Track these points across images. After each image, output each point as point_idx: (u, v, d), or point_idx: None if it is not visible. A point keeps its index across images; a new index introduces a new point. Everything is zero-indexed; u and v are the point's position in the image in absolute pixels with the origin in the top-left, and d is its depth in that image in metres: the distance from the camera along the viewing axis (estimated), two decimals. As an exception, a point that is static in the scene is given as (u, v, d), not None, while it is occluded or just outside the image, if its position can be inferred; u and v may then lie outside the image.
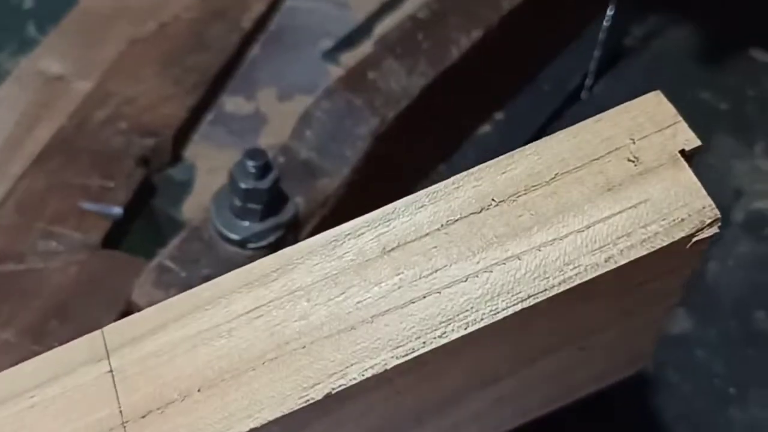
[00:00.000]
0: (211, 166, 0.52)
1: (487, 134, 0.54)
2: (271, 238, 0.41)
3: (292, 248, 0.27)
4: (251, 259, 0.41)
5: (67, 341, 0.41)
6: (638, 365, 0.38)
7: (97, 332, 0.27)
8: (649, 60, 0.58)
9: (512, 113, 0.55)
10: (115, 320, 0.42)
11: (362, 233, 0.27)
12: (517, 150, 0.28)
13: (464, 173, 0.28)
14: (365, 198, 0.47)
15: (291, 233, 0.42)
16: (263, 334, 0.26)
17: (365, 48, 0.57)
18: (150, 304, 0.39)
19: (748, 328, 0.46)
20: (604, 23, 0.53)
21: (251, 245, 0.40)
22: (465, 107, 0.52)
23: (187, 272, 0.39)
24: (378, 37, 0.57)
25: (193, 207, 0.50)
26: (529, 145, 0.28)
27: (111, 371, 0.25)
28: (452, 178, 0.27)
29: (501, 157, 0.28)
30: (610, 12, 0.52)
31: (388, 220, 0.27)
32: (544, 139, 0.28)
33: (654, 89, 0.56)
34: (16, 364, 0.27)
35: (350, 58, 0.57)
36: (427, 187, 0.46)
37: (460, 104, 0.51)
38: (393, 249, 0.27)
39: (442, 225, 0.27)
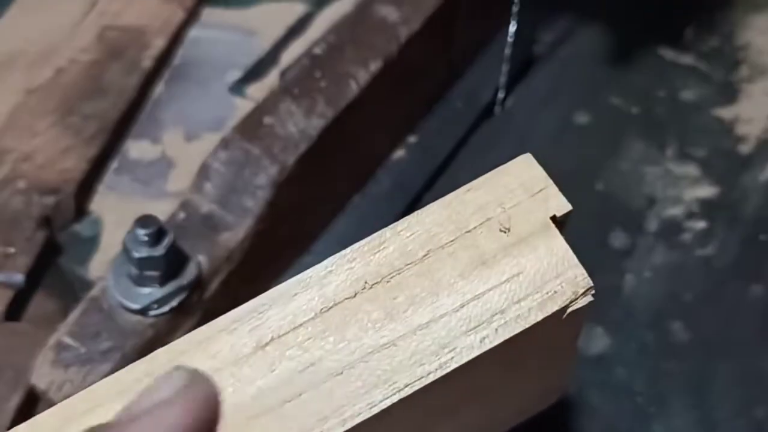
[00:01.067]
0: (118, 218, 0.50)
1: (401, 159, 0.54)
2: (174, 303, 0.40)
3: (163, 349, 0.26)
4: (153, 327, 0.40)
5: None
6: (555, 397, 0.38)
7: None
8: (559, 67, 0.58)
9: (425, 135, 0.55)
10: (21, 398, 0.41)
11: (235, 329, 0.26)
12: (389, 227, 0.27)
13: (336, 255, 0.27)
14: (274, 246, 0.46)
15: (195, 293, 0.41)
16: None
17: (273, 78, 0.56)
18: (50, 385, 0.38)
19: (666, 340, 0.46)
20: (508, 39, 0.53)
21: (153, 312, 0.39)
22: (374, 137, 0.51)
23: (87, 347, 0.38)
24: (285, 65, 0.56)
25: (101, 263, 0.48)
26: (400, 220, 0.27)
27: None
28: (324, 262, 0.27)
29: (373, 235, 0.27)
30: (512, 28, 0.52)
31: (261, 312, 0.26)
32: (416, 212, 0.27)
33: (564, 99, 0.56)
34: None
35: (258, 89, 0.56)
36: (343, 221, 0.45)
37: (368, 135, 0.50)
38: (267, 343, 0.26)
39: (315, 314, 0.26)
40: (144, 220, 0.38)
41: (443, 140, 0.55)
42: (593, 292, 0.26)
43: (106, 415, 0.26)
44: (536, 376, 0.32)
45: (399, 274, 0.26)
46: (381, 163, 0.53)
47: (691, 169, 0.52)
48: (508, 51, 0.53)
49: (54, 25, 0.58)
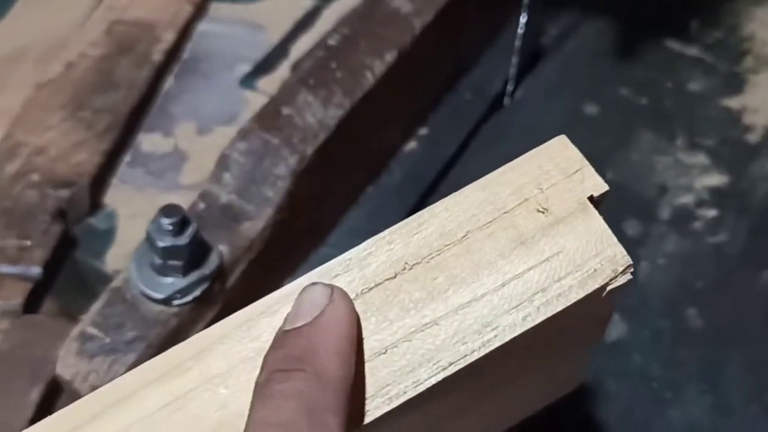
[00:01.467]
0: (132, 211, 0.50)
1: (412, 151, 0.54)
2: (197, 292, 0.40)
3: (203, 334, 0.26)
4: (177, 316, 0.40)
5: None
6: (575, 385, 0.38)
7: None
8: (567, 59, 0.58)
9: (436, 127, 0.55)
10: (42, 391, 0.41)
11: (276, 310, 0.26)
12: (427, 209, 0.27)
13: (375, 237, 0.27)
14: (291, 237, 0.46)
15: (217, 283, 0.41)
16: (182, 428, 0.25)
17: (283, 71, 0.56)
18: (75, 376, 0.38)
19: (681, 326, 0.46)
20: (518, 30, 0.53)
21: (176, 302, 0.39)
22: (387, 128, 0.52)
23: (112, 337, 0.38)
24: (295, 58, 0.56)
25: (118, 255, 0.48)
26: (438, 203, 0.27)
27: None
28: (364, 244, 0.27)
29: (410, 217, 0.27)
30: (522, 20, 0.52)
31: (302, 294, 0.26)
32: (452, 195, 0.27)
33: (573, 91, 0.57)
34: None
35: (268, 83, 0.56)
36: (356, 213, 0.45)
37: (381, 126, 0.51)
38: (309, 325, 0.26)
39: (357, 294, 0.26)
40: (168, 210, 0.38)
41: (454, 132, 0.55)
42: (632, 270, 0.26)
43: (142, 401, 0.26)
44: (566, 357, 0.32)
45: (439, 254, 0.26)
46: (393, 155, 0.53)
47: (701, 158, 0.53)
48: (518, 43, 0.54)
49: (61, 20, 0.58)
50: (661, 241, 0.49)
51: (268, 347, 0.26)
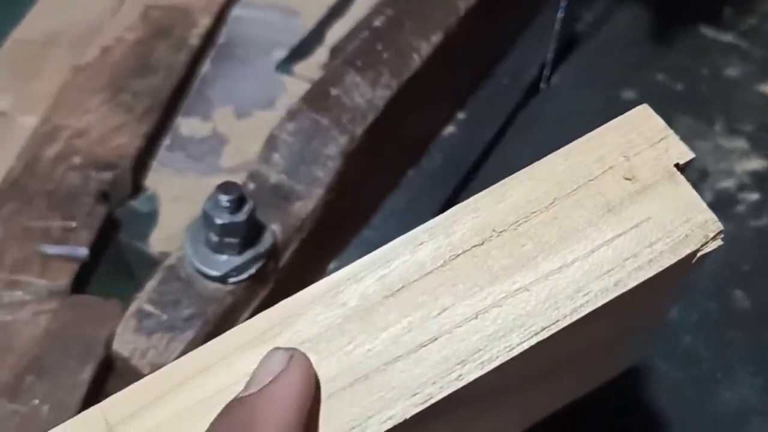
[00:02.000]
0: (173, 193, 0.50)
1: (451, 135, 0.54)
2: (252, 270, 0.39)
3: (291, 299, 0.26)
4: (232, 294, 0.40)
5: (46, 396, 0.39)
6: (631, 363, 0.38)
7: (96, 409, 0.25)
8: (602, 45, 0.58)
9: (474, 111, 0.55)
10: (94, 370, 0.41)
11: (363, 277, 0.26)
12: (510, 177, 0.27)
13: (460, 205, 0.27)
14: (340, 216, 0.46)
15: (271, 261, 0.41)
16: (274, 393, 0.25)
17: (319, 56, 0.56)
18: (133, 352, 0.38)
19: (728, 308, 0.46)
20: (558, 14, 0.53)
21: (232, 279, 0.39)
22: (428, 111, 0.52)
23: (168, 314, 0.38)
24: (330, 44, 0.56)
25: (160, 238, 0.48)
26: (521, 172, 0.27)
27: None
28: (448, 212, 0.27)
29: (495, 185, 0.27)
30: (563, 3, 0.52)
31: (389, 261, 0.26)
32: (536, 163, 0.27)
33: (609, 76, 0.57)
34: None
35: (304, 67, 0.56)
36: (397, 196, 0.44)
37: (423, 109, 0.50)
38: (397, 291, 0.26)
39: (444, 261, 0.26)
40: (226, 187, 0.38)
41: (491, 117, 0.55)
42: (722, 236, 0.26)
43: (233, 366, 0.25)
44: (635, 328, 0.32)
45: (526, 221, 0.26)
46: (433, 139, 0.53)
47: (740, 143, 0.53)
48: (557, 26, 0.54)
49: (94, 5, 0.58)
50: (704, 224, 0.49)
51: (355, 313, 0.26)
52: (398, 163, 0.51)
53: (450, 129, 0.54)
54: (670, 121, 0.55)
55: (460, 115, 0.55)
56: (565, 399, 0.37)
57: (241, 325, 0.26)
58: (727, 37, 0.58)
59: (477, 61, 0.55)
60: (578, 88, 0.57)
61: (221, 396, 0.25)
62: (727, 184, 0.51)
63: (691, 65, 0.57)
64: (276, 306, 0.26)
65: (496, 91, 0.56)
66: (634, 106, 0.56)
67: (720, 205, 0.50)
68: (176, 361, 0.26)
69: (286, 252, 0.42)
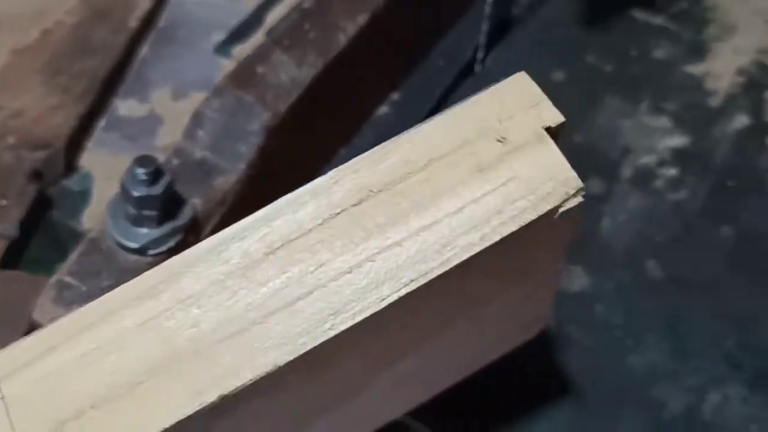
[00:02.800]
0: (107, 173, 0.51)
1: (385, 115, 0.55)
2: (171, 243, 0.41)
3: (177, 257, 0.27)
4: (152, 266, 0.41)
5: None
6: (539, 328, 0.40)
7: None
8: (538, 28, 0.60)
9: (408, 92, 0.56)
10: (22, 340, 0.42)
11: (246, 236, 0.27)
12: (391, 140, 0.28)
13: (342, 166, 0.28)
14: (265, 192, 0.47)
15: (191, 235, 0.42)
16: (155, 345, 0.26)
17: (257, 39, 0.57)
18: (51, 322, 0.39)
19: (641, 277, 0.48)
20: (488, -2, 0.54)
21: (151, 251, 0.40)
22: (360, 91, 0.53)
23: (88, 286, 0.39)
24: (269, 26, 0.57)
25: (93, 216, 0.49)
26: (403, 134, 0.28)
27: (2, 398, 0.25)
28: (331, 172, 0.28)
29: (376, 147, 0.28)
30: (491, -14, 0.54)
31: (271, 220, 0.28)
32: (417, 126, 0.29)
33: (542, 57, 0.58)
34: None
35: (243, 50, 0.57)
36: (325, 173, 0.46)
37: (354, 88, 0.52)
38: (278, 248, 0.27)
39: (324, 220, 0.27)
40: (143, 160, 0.39)
41: (426, 97, 0.57)
42: (584, 192, 0.27)
43: (119, 321, 0.27)
44: (523, 295, 0.34)
45: (402, 182, 0.28)
46: (366, 119, 0.54)
47: (664, 121, 0.55)
48: (487, 9, 0.55)
49: (36, -11, 0.58)
50: (623, 198, 0.51)
51: (237, 270, 0.27)
52: (329, 141, 0.52)
53: (384, 109, 0.55)
54: (598, 101, 0.57)
55: (394, 96, 0.56)
56: (475, 364, 0.38)
57: (127, 282, 0.27)
58: (658, 20, 0.60)
59: (411, 42, 0.56)
60: (512, 70, 0.57)
61: (104, 348, 0.26)
62: (648, 159, 0.53)
63: (622, 47, 0.58)
64: (162, 264, 0.27)
65: (432, 72, 0.57)
66: (564, 88, 0.58)
67: (639, 179, 0.52)
68: (64, 317, 0.27)
69: (208, 225, 0.43)
